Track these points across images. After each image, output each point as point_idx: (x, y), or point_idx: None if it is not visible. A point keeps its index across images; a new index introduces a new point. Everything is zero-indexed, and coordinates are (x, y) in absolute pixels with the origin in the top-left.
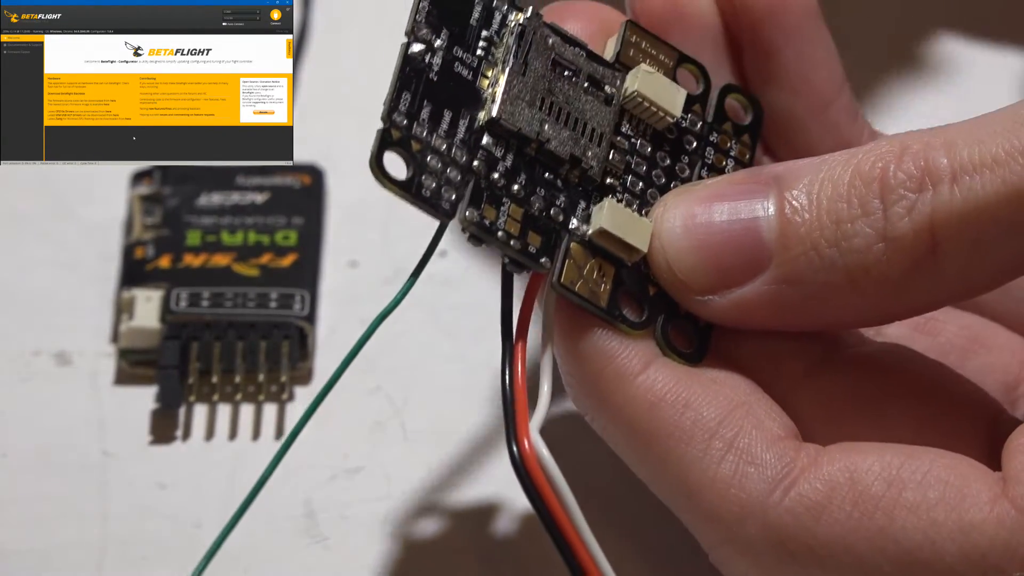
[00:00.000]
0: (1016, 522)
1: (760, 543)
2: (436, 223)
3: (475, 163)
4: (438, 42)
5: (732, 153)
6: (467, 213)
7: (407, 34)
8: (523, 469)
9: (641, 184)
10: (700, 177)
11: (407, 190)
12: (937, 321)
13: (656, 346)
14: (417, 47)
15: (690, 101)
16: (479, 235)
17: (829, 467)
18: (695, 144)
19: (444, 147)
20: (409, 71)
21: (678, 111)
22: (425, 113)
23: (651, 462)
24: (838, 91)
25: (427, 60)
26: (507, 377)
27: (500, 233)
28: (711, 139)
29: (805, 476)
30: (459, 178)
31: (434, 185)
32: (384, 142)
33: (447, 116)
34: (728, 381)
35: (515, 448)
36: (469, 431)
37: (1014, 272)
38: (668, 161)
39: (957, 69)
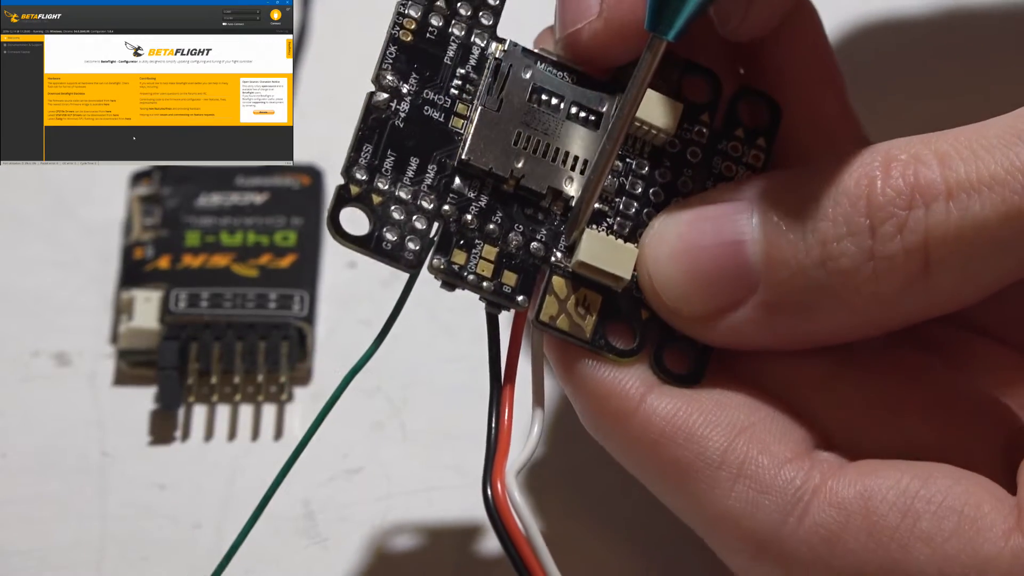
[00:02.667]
0: None
1: (777, 573)
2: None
3: (445, 207)
4: (405, 88)
5: (745, 159)
6: (434, 260)
7: (372, 82)
8: (494, 512)
9: (636, 205)
10: (706, 190)
11: (366, 245)
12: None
13: (652, 374)
14: (381, 96)
15: (698, 110)
16: (450, 280)
17: (844, 492)
18: (700, 156)
19: (408, 196)
20: (372, 121)
21: (672, 127)
22: (388, 163)
23: (666, 494)
24: (842, 111)
25: (393, 107)
26: (493, 420)
27: (471, 276)
28: (720, 147)
29: (818, 499)
30: (424, 227)
31: (395, 238)
32: (341, 198)
33: (414, 163)
34: (731, 402)
35: (488, 491)
36: (469, 431)
37: (1006, 283)
38: (668, 177)
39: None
